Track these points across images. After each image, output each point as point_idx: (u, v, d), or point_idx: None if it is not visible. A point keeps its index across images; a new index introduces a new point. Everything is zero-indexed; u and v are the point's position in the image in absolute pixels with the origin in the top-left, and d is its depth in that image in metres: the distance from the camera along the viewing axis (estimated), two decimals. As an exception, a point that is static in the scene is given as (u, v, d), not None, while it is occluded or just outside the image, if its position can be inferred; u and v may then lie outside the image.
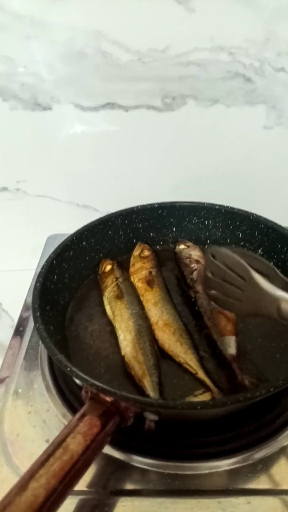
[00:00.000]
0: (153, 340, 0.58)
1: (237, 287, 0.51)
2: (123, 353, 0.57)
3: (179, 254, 0.73)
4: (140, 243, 0.76)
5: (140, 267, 0.71)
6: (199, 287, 0.65)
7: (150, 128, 0.81)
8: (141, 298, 0.65)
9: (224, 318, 0.59)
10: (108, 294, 0.65)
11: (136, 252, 0.74)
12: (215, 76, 0.75)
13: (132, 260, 0.74)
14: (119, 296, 0.64)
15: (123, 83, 0.75)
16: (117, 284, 0.66)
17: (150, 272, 0.69)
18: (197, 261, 0.70)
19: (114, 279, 0.67)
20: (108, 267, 0.70)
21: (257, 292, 0.47)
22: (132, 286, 0.67)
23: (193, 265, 0.70)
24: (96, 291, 0.69)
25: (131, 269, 0.72)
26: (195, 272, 0.68)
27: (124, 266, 0.72)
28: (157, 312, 0.62)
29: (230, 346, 0.56)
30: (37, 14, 0.68)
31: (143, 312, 0.62)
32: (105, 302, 0.65)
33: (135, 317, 0.60)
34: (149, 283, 0.66)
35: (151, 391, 0.51)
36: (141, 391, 0.52)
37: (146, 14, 0.68)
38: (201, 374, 0.54)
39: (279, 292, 0.46)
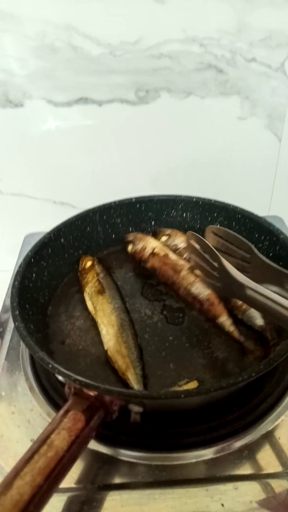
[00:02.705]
0: (136, 334, 0.58)
1: (212, 269, 0.55)
2: (106, 348, 0.56)
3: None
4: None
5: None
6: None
7: (124, 122, 0.81)
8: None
9: None
10: (89, 289, 0.65)
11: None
12: (188, 67, 0.75)
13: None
14: (100, 291, 0.63)
15: (95, 77, 0.75)
16: (98, 279, 0.65)
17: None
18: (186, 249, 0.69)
19: (95, 275, 0.66)
20: (89, 263, 0.69)
21: (227, 277, 0.52)
22: (113, 281, 0.67)
23: (184, 256, 0.69)
24: (76, 288, 0.69)
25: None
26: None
27: (104, 262, 0.72)
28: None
29: (257, 318, 0.57)
30: (5, 7, 0.67)
31: (125, 307, 0.62)
32: (86, 297, 0.64)
33: (117, 311, 0.60)
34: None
35: (135, 384, 0.50)
36: (125, 384, 0.52)
37: (116, 7, 0.68)
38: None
39: (244, 279, 0.50)
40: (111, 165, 0.87)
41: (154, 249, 0.68)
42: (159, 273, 0.67)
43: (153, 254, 0.68)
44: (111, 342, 0.56)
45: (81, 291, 0.67)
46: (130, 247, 0.72)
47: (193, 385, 0.50)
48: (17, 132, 0.81)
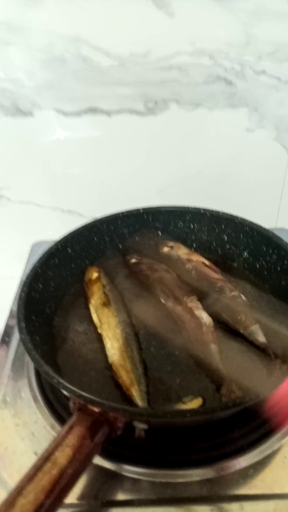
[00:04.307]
0: (141, 348, 0.58)
1: None
2: (110, 361, 0.56)
3: (169, 257, 0.72)
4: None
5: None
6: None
7: (133, 132, 0.81)
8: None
9: (243, 310, 0.60)
10: (95, 301, 0.64)
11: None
12: (197, 80, 0.75)
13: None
14: (106, 304, 0.63)
15: (104, 88, 0.75)
16: (104, 291, 0.65)
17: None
18: (189, 260, 0.69)
19: (101, 287, 0.66)
20: (95, 275, 0.69)
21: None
22: (119, 294, 0.67)
23: (187, 265, 0.68)
24: (83, 299, 0.69)
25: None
26: (193, 272, 0.67)
27: (110, 273, 0.71)
28: None
29: (259, 335, 0.56)
30: (14, 20, 0.67)
31: (131, 320, 0.62)
32: (92, 309, 0.64)
33: (122, 325, 0.59)
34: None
35: (139, 400, 0.50)
36: (129, 399, 0.52)
37: (126, 19, 0.68)
38: None
39: None
40: (119, 174, 0.87)
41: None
42: None
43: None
44: (116, 356, 0.55)
45: (86, 302, 0.67)
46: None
47: (198, 402, 0.50)
48: (27, 141, 0.81)
